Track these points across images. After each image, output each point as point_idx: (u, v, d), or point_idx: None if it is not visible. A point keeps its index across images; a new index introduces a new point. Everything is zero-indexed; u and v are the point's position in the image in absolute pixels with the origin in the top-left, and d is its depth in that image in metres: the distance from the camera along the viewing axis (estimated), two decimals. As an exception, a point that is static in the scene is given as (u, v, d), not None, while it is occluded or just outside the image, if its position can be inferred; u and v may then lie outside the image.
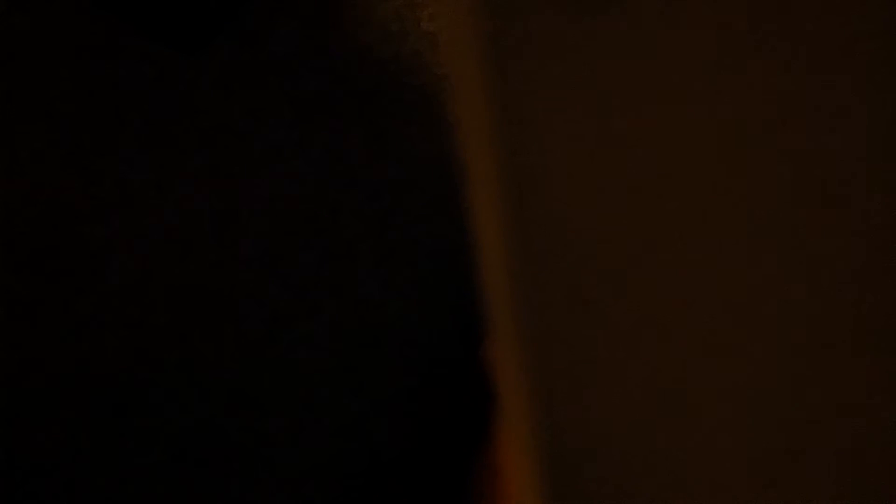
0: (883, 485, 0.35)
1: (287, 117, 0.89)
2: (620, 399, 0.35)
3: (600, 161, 0.31)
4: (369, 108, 0.89)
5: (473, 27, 0.30)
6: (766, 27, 0.29)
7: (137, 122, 0.89)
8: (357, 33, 0.89)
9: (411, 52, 0.89)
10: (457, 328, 0.89)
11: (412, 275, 0.89)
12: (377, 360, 0.89)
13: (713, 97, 0.30)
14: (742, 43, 0.30)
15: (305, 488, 0.89)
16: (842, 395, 0.34)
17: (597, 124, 0.31)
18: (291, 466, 0.88)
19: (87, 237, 0.89)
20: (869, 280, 0.33)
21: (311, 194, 0.88)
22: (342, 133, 0.89)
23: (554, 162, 0.32)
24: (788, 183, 0.31)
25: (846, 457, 0.35)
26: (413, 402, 0.89)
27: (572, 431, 0.36)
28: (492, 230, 0.33)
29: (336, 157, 0.89)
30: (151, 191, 0.89)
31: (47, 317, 0.88)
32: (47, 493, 0.88)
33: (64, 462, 0.88)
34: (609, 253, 0.33)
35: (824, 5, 0.29)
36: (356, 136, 0.89)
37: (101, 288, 0.88)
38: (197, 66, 0.89)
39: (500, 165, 0.31)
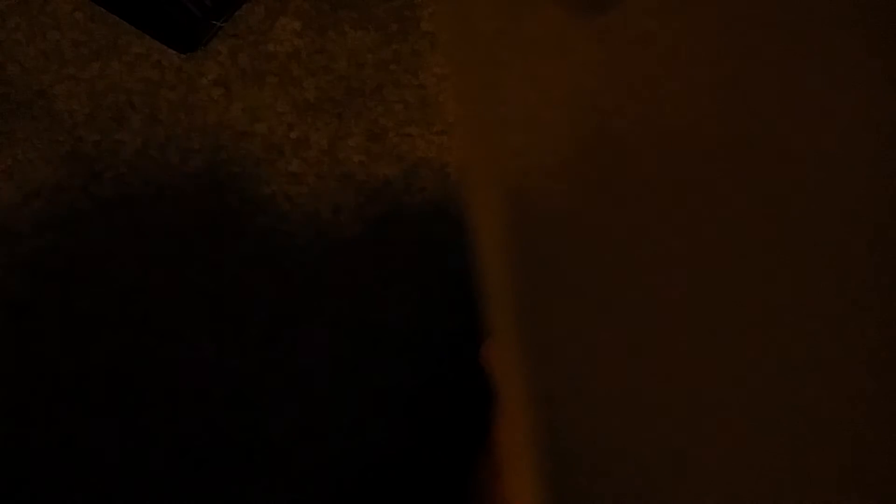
0: (882, 485, 0.35)
1: (287, 117, 0.89)
2: (619, 399, 0.35)
3: (600, 160, 0.31)
4: (369, 107, 0.89)
5: (473, 27, 0.30)
6: (766, 27, 0.29)
7: (137, 123, 0.89)
8: (357, 33, 0.89)
9: (411, 52, 0.89)
10: (457, 328, 0.89)
11: (412, 275, 0.89)
12: (377, 360, 0.89)
13: (713, 96, 0.30)
14: (742, 42, 0.30)
15: (306, 488, 0.89)
16: (840, 398, 0.34)
17: (596, 123, 0.31)
18: (291, 466, 0.88)
19: (88, 237, 0.89)
20: (867, 280, 0.33)
21: (312, 194, 0.89)
22: (342, 133, 0.89)
23: (553, 161, 0.31)
24: (789, 182, 0.31)
25: (845, 459, 0.35)
26: (413, 401, 0.89)
27: (572, 431, 0.36)
28: (491, 229, 0.33)
29: (336, 156, 0.89)
30: (151, 191, 0.89)
31: (47, 317, 0.88)
32: (48, 492, 0.88)
33: (64, 461, 0.88)
34: (610, 252, 0.33)
35: (824, 6, 0.29)
36: (356, 135, 0.89)
37: (102, 288, 0.89)
38: (197, 65, 0.89)
39: (500, 165, 0.31)
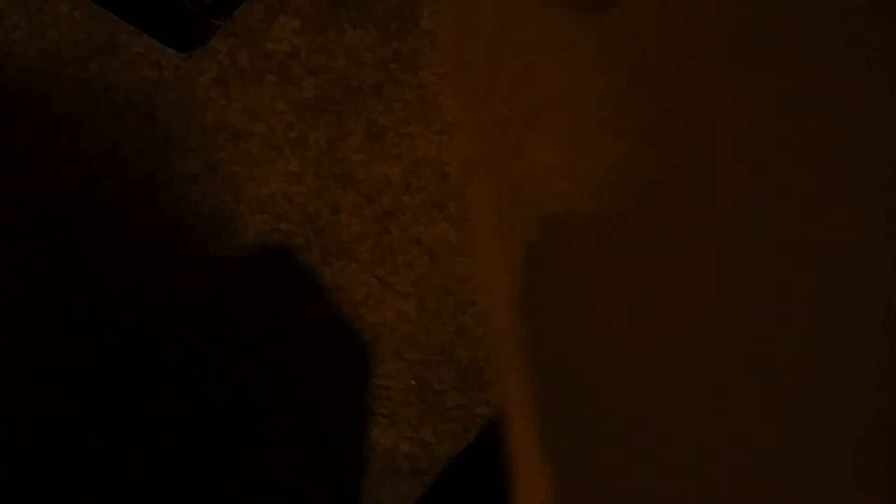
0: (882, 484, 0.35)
1: (286, 116, 0.89)
2: (619, 399, 0.35)
3: (599, 160, 0.31)
4: (369, 107, 0.89)
5: (473, 27, 0.29)
6: (765, 26, 0.29)
7: (135, 122, 0.89)
8: (356, 32, 0.89)
9: (411, 50, 0.89)
10: (456, 328, 0.90)
11: (412, 275, 0.88)
12: (377, 360, 0.89)
13: (712, 94, 0.30)
14: (740, 41, 0.29)
15: (305, 488, 0.89)
16: (839, 404, 0.34)
17: (596, 122, 0.31)
18: (291, 466, 0.88)
19: (87, 237, 0.89)
20: (865, 279, 0.33)
21: (311, 194, 0.88)
22: (341, 132, 0.89)
23: (553, 161, 0.31)
24: (790, 181, 0.31)
25: (845, 460, 0.35)
26: (413, 401, 0.89)
27: (572, 431, 0.36)
28: (490, 229, 0.33)
29: (335, 156, 0.89)
30: (150, 191, 0.89)
31: (47, 317, 0.88)
32: (48, 491, 0.88)
33: (64, 461, 0.88)
34: (609, 250, 0.33)
35: (823, 7, 0.29)
36: (355, 135, 0.89)
37: (101, 288, 0.88)
38: (195, 65, 0.89)
39: (500, 164, 0.31)
